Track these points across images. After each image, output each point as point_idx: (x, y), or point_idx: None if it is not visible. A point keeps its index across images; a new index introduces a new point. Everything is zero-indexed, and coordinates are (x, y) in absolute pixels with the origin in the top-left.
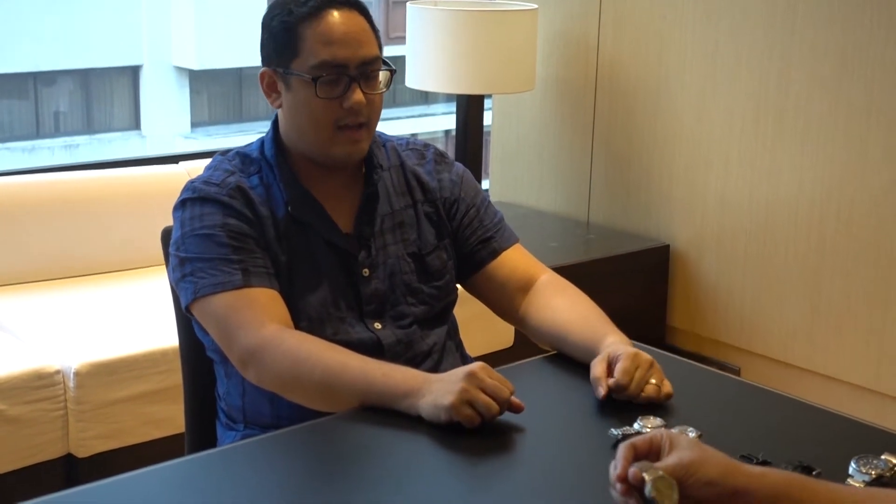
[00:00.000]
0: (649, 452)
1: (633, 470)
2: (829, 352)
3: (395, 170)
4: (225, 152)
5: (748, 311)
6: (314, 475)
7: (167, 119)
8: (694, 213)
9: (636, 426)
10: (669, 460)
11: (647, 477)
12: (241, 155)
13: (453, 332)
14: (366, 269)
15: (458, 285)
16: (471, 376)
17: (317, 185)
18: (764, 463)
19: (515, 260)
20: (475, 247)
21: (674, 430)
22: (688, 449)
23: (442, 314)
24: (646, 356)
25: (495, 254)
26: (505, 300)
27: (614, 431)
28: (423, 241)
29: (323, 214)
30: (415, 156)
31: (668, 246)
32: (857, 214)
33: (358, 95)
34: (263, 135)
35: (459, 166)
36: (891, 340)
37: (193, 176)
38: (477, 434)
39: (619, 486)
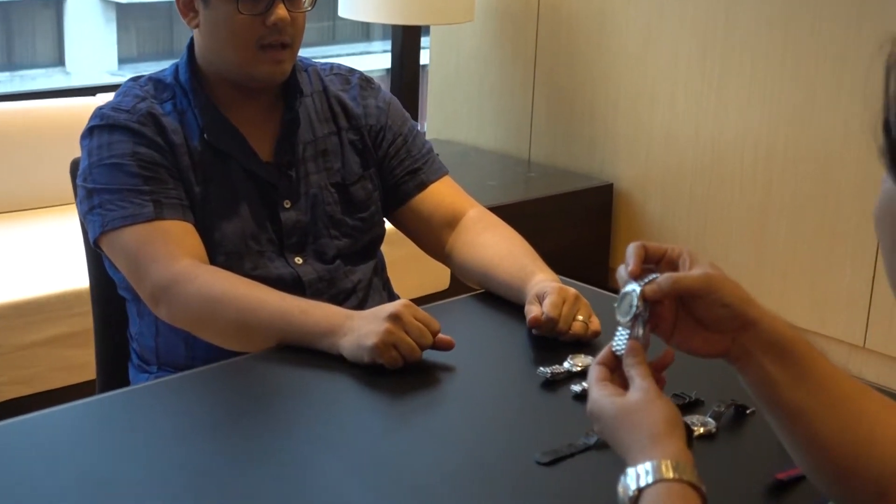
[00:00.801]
0: (660, 260)
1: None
2: (773, 295)
3: (318, 95)
4: (136, 78)
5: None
6: (228, 417)
7: (93, 55)
8: (638, 152)
9: (566, 365)
10: (695, 271)
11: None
12: (154, 80)
13: (380, 269)
14: (286, 200)
15: (385, 219)
16: (395, 317)
17: (235, 110)
18: (696, 402)
19: (443, 193)
20: (401, 178)
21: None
22: (711, 267)
23: (367, 249)
24: (571, 290)
25: (422, 186)
26: (431, 235)
27: (543, 370)
28: (348, 170)
29: (241, 141)
30: (339, 81)
31: (611, 185)
32: (804, 154)
33: (282, 11)
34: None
35: (387, 93)
36: (837, 284)
37: None
38: (401, 374)
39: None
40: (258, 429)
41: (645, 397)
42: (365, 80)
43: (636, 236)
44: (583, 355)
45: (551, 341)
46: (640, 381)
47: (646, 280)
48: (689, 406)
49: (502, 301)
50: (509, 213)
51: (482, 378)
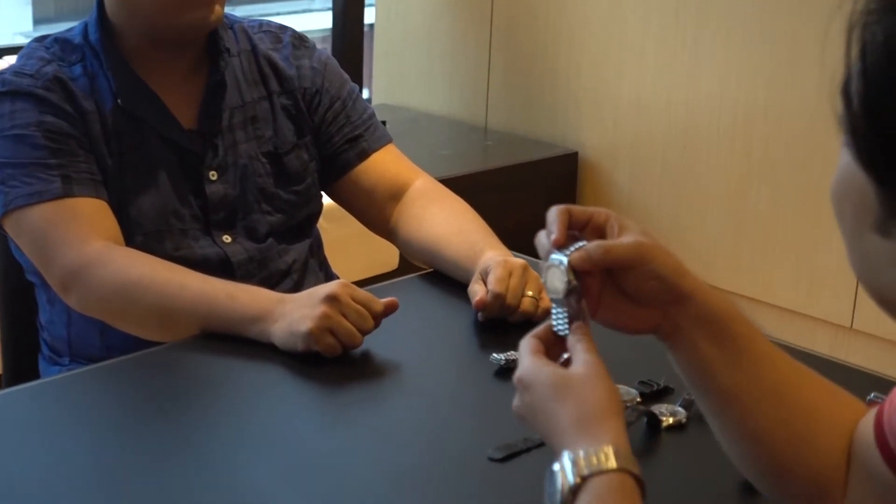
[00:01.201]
0: (585, 226)
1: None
2: (754, 271)
3: (246, 55)
4: (41, 38)
5: (665, 225)
6: (147, 412)
7: (4, 14)
8: (605, 117)
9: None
10: (626, 239)
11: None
12: (61, 41)
13: (316, 248)
14: (212, 172)
15: (323, 193)
16: (332, 298)
17: (153, 72)
18: (664, 390)
19: (387, 163)
20: (340, 147)
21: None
22: (643, 234)
23: (303, 226)
24: (518, 260)
25: (363, 155)
26: (374, 209)
27: (497, 357)
28: (280, 138)
29: (160, 107)
30: (269, 39)
31: (576, 153)
32: (786, 119)
33: None
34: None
35: (323, 52)
36: (823, 259)
37: None
38: (339, 363)
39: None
40: (180, 426)
41: (590, 371)
42: (298, 39)
43: (604, 208)
44: None
45: (502, 323)
46: (585, 355)
47: (571, 249)
48: (656, 395)
49: (453, 281)
50: (464, 185)
51: (430, 367)
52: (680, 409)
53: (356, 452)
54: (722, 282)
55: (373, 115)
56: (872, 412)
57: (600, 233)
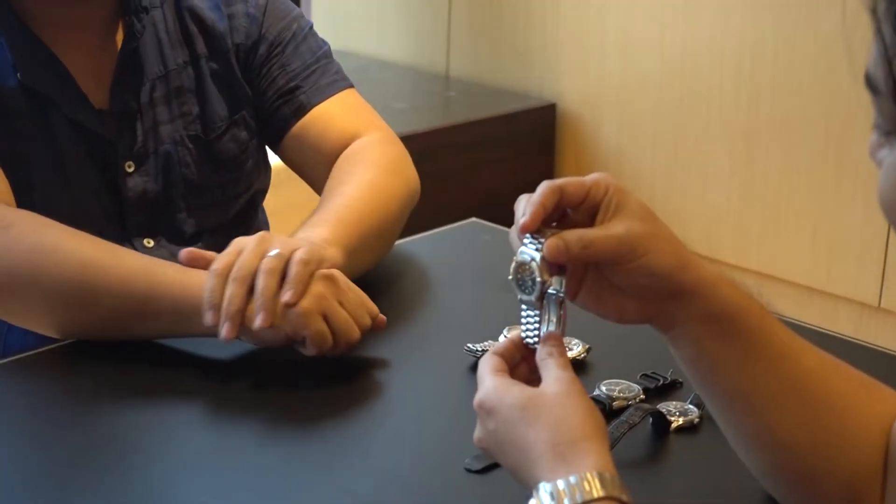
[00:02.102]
0: (581, 203)
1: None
2: (765, 243)
3: (169, 9)
4: None
5: (660, 190)
6: (47, 424)
7: None
8: (588, 63)
9: (503, 339)
10: (613, 229)
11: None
12: None
13: None
14: (129, 163)
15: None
16: (331, 281)
17: (58, 40)
18: (672, 384)
19: (331, 117)
20: (274, 104)
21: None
22: (640, 219)
23: (244, 217)
24: (294, 247)
25: (301, 111)
26: (321, 175)
27: (472, 347)
28: (210, 117)
29: (67, 81)
30: None
31: (553, 105)
32: (800, 63)
33: None
34: None
35: None
36: (845, 228)
37: None
38: (293, 367)
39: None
40: (92, 441)
41: (563, 388)
42: None
43: (587, 169)
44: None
45: (485, 307)
46: (558, 372)
47: (544, 240)
48: (662, 390)
49: (428, 252)
50: (423, 145)
51: (395, 361)
52: (691, 406)
53: (312, 470)
54: (727, 256)
55: (320, 59)
56: None
57: (595, 211)
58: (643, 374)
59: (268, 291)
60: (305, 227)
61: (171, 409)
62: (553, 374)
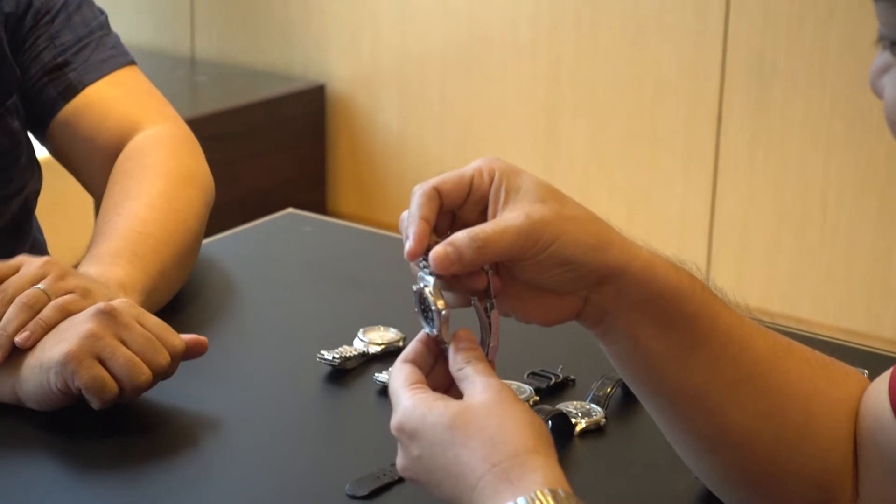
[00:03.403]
0: (464, 202)
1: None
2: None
3: None
4: None
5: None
6: None
7: None
8: (360, 37)
9: (358, 344)
10: (509, 220)
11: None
12: None
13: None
14: None
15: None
16: (106, 314)
17: None
18: (565, 382)
19: (107, 101)
20: (40, 81)
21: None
22: (539, 201)
23: (15, 227)
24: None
25: (72, 91)
26: (94, 171)
27: (326, 355)
28: None
29: None
30: None
31: (322, 87)
32: (605, 24)
33: None
34: None
35: None
36: (663, 210)
37: None
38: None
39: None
40: None
41: (495, 398)
42: None
43: (365, 159)
44: (382, 329)
45: (332, 308)
46: (485, 379)
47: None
48: (554, 389)
49: (244, 251)
50: None
51: (239, 377)
52: (594, 406)
53: None
54: None
55: (94, 31)
56: (884, 376)
57: (485, 203)
58: (531, 373)
59: (9, 327)
60: (95, 261)
61: None
62: (478, 383)
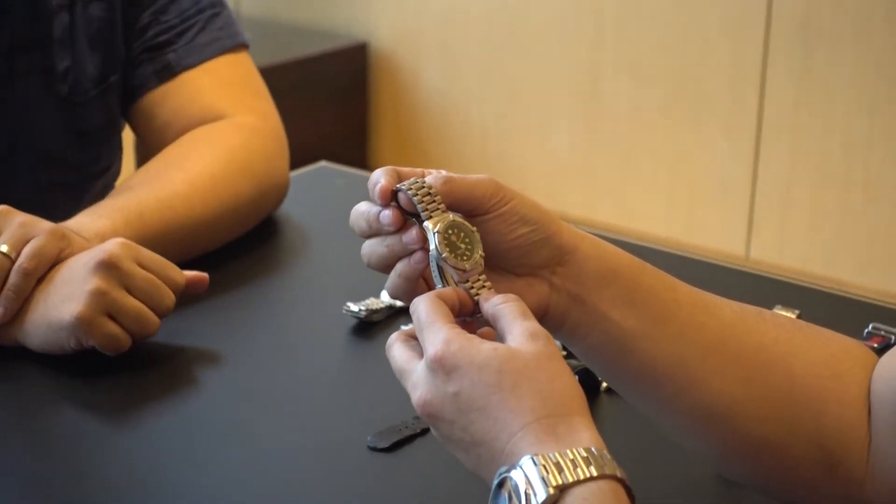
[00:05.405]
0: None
1: (403, 195)
2: (615, 193)
3: None
4: None
5: (492, 137)
6: None
7: None
8: None
9: (385, 297)
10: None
11: (430, 225)
12: None
13: None
14: None
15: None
16: (107, 266)
17: None
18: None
19: (199, 89)
20: (140, 57)
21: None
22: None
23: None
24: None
25: (169, 72)
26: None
27: (352, 307)
28: (80, 76)
29: None
30: None
31: (365, 45)
32: None
33: None
34: None
35: None
36: (705, 173)
37: None
38: (132, 358)
39: (385, 216)
40: None
41: (542, 348)
42: None
43: (407, 118)
44: None
45: (359, 261)
46: (529, 325)
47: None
48: None
49: (296, 197)
50: None
51: (262, 331)
52: None
53: (192, 467)
54: (573, 209)
55: (204, 10)
56: None
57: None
58: None
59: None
60: (92, 210)
61: None
62: (523, 329)
